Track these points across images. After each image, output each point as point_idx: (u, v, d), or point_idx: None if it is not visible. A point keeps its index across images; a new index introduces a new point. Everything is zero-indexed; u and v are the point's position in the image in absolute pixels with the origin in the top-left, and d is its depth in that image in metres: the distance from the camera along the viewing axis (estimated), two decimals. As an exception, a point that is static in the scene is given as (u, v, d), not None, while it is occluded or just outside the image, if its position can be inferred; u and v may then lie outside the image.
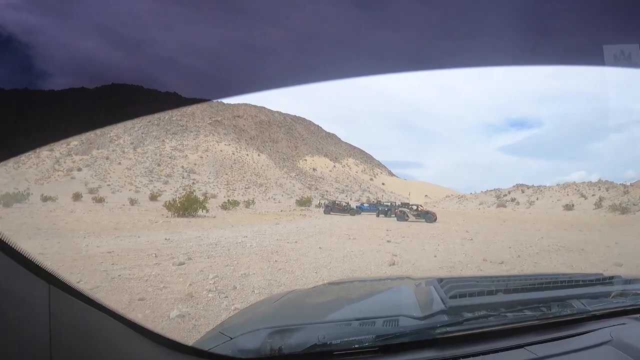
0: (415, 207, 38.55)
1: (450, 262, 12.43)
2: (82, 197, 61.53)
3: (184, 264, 10.70)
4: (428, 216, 35.55)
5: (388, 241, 17.85)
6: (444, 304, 1.96)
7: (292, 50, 3.12)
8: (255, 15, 3.04)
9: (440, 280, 2.32)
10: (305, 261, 11.66)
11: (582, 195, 79.57)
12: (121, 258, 11.37)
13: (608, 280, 2.45)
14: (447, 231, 25.00)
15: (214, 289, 7.99)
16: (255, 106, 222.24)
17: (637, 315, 2.13)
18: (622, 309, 2.16)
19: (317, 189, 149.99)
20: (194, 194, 32.88)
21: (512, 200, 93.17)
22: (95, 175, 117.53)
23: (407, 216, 36.46)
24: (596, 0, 3.17)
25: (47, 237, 15.26)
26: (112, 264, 10.39)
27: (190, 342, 1.72)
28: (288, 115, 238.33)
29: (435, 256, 13.54)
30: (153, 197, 68.21)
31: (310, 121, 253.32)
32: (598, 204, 65.69)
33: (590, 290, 2.31)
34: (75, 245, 13.82)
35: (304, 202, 67.76)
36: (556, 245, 17.75)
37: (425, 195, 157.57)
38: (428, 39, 3.31)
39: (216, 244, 14.66)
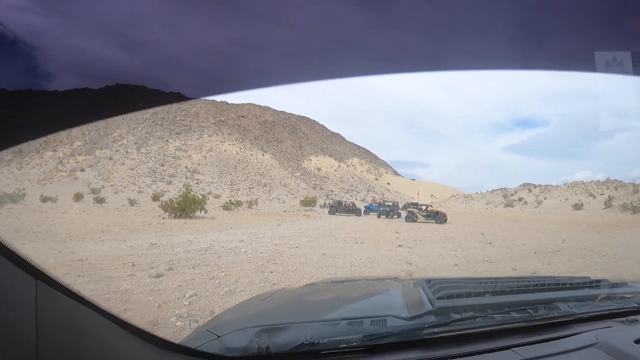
0: (424, 208, 36.90)
1: (474, 272, 10.77)
2: (83, 197, 60.56)
3: (161, 275, 9.07)
4: (438, 217, 33.90)
5: (399, 245, 16.15)
6: (431, 304, 1.96)
7: (297, 49, 3.10)
8: (260, 14, 3.05)
9: (428, 281, 2.33)
10: (305, 272, 9.97)
11: (591, 195, 79.10)
12: (92, 268, 9.79)
13: (595, 284, 2.45)
14: (460, 233, 23.39)
15: (186, 315, 6.30)
16: (259, 106, 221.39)
17: (623, 319, 2.09)
18: (609, 312, 2.14)
19: (322, 188, 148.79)
20: (192, 193, 31.29)
21: (520, 199, 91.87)
22: (98, 176, 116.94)
23: (416, 217, 34.81)
24: (589, 7, 3.20)
25: (24, 242, 13.76)
26: (79, 275, 8.78)
27: (177, 340, 1.70)
28: (292, 115, 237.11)
29: (456, 265, 11.85)
30: (155, 198, 67.20)
31: (315, 121, 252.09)
32: (608, 204, 65.24)
33: (577, 293, 2.31)
34: (48, 250, 12.22)
35: (308, 202, 66.89)
36: (584, 249, 16.16)
37: (431, 195, 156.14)
38: (433, 39, 3.32)
39: (206, 250, 13.01)
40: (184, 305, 6.91)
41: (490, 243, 17.90)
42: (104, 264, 10.37)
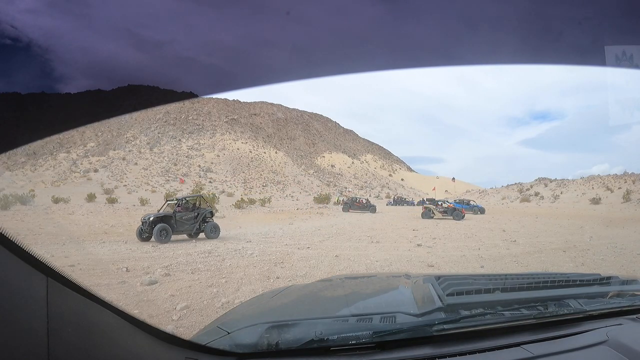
0: (440, 203, 35.56)
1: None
2: (96, 198, 60.08)
3: (155, 283, 8.19)
4: (456, 213, 32.59)
5: (418, 245, 15.10)
6: (441, 301, 1.96)
7: (310, 44, 3.09)
8: (272, 10, 2.97)
9: (438, 277, 2.33)
10: (316, 278, 8.78)
11: (608, 189, 77.26)
12: (82, 273, 8.99)
13: (605, 281, 2.41)
14: (480, 230, 22.24)
15: (171, 333, 5.38)
16: (271, 104, 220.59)
17: (634, 316, 2.07)
18: (619, 309, 2.10)
19: (335, 185, 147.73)
20: (202, 191, 30.48)
21: (536, 194, 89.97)
22: (111, 176, 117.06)
23: (433, 213, 33.62)
24: (599, 0, 3.19)
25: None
26: (64, 283, 7.90)
27: (187, 336, 1.71)
28: (305, 112, 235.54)
29: (482, 267, 10.80)
30: (168, 197, 66.78)
31: (328, 118, 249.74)
32: (626, 197, 63.34)
33: (587, 290, 2.29)
34: (41, 254, 11.43)
35: (322, 200, 65.88)
36: (614, 246, 15.00)
37: (446, 191, 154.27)
38: (448, 32, 3.24)
39: (209, 253, 12.13)
40: (172, 320, 6.02)
41: (515, 241, 16.75)
42: (97, 269, 9.56)
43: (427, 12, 3.17)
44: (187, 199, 18.69)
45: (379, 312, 1.92)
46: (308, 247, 13.88)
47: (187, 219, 17.41)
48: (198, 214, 17.84)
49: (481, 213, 43.50)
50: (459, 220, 31.11)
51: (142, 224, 16.33)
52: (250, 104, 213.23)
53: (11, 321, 0.94)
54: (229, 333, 1.72)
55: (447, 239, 17.76)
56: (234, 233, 18.59)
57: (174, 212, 17.20)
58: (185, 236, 17.11)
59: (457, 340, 1.75)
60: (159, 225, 15.78)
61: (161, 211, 17.81)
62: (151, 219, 16.26)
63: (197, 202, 18.72)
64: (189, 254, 11.92)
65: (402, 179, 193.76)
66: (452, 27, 3.17)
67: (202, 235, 17.40)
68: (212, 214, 18.73)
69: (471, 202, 47.72)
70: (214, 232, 17.64)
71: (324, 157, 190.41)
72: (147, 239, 15.71)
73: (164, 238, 15.54)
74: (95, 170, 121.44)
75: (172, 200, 18.95)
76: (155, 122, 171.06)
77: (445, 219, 32.18)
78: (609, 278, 2.44)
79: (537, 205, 71.75)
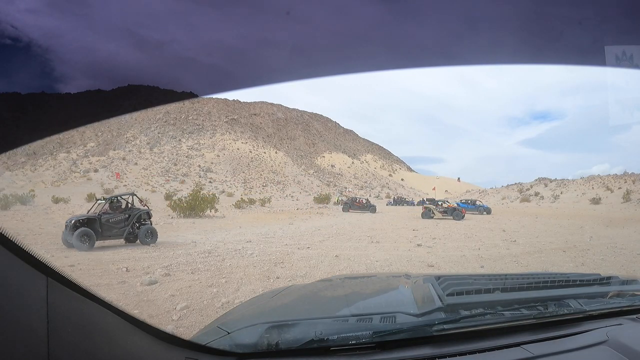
0: (440, 203, 35.56)
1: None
2: (96, 198, 60.12)
3: (155, 283, 8.19)
4: (456, 213, 32.61)
5: (418, 245, 15.08)
6: (441, 301, 1.95)
7: (310, 44, 3.10)
8: (273, 10, 2.99)
9: (438, 277, 2.32)
10: (316, 277, 8.87)
11: (608, 189, 77.56)
12: (82, 274, 8.99)
13: (605, 281, 2.40)
14: (480, 230, 22.22)
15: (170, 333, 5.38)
16: (272, 104, 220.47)
17: (634, 316, 2.06)
18: (619, 309, 2.09)
19: (335, 185, 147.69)
20: (201, 191, 30.57)
21: (536, 194, 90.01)
22: (111, 176, 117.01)
23: (433, 213, 33.59)
24: (599, 1, 3.25)
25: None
26: (64, 283, 7.89)
27: (187, 336, 1.71)
28: (305, 112, 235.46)
29: (482, 267, 10.80)
30: (168, 197, 66.89)
31: (328, 118, 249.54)
32: (626, 197, 63.58)
33: (587, 290, 2.27)
34: (42, 254, 11.41)
35: (322, 200, 65.96)
36: (614, 246, 15.02)
37: (446, 191, 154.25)
38: (448, 33, 3.25)
39: (209, 253, 12.13)
40: (172, 320, 6.02)
41: (515, 241, 16.75)
42: (97, 269, 9.57)
43: (427, 12, 3.20)
44: (118, 197, 16.08)
45: (379, 312, 1.91)
46: (308, 247, 13.87)
47: (116, 221, 14.95)
48: (130, 215, 15.37)
49: (487, 213, 42.63)
50: (458, 220, 31.09)
51: (65, 228, 13.90)
52: (250, 104, 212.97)
53: (11, 321, 0.94)
54: (229, 333, 1.71)
55: (447, 239, 17.76)
56: (234, 233, 18.56)
57: (99, 214, 14.71)
58: (184, 238, 16.98)
59: (457, 340, 1.75)
60: (79, 230, 13.41)
61: (90, 212, 15.30)
62: (72, 222, 13.89)
63: (131, 202, 16.27)
64: (189, 254, 11.92)
65: (402, 179, 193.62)
66: (452, 27, 3.17)
67: (200, 237, 17.27)
68: (149, 215, 16.13)
69: (477, 202, 47.28)
70: (149, 237, 15.03)
71: (324, 157, 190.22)
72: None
73: (86, 245, 13.17)
74: (96, 170, 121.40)
75: (101, 200, 16.16)
76: (155, 122, 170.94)
77: (445, 219, 32.14)
78: (609, 278, 2.42)
79: (537, 205, 71.79)
